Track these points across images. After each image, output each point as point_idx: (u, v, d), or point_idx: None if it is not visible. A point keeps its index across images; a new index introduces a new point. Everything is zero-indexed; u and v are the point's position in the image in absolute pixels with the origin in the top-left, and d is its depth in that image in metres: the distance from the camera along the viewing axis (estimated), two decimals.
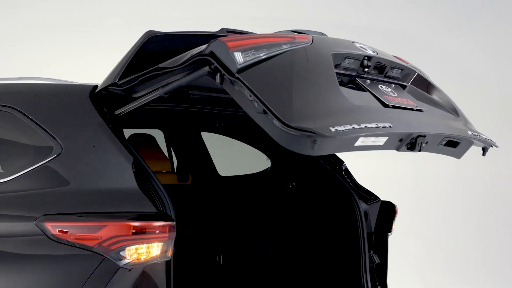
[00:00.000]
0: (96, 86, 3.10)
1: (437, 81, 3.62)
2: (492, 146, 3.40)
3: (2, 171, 3.12)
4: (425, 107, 3.20)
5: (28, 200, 2.90)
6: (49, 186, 2.90)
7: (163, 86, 2.86)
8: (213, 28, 3.48)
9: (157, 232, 2.73)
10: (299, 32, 3.15)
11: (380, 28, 8.93)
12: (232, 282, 4.46)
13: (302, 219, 4.17)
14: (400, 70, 3.29)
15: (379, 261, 3.87)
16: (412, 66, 3.45)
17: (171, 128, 4.79)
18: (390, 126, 2.68)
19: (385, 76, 3.22)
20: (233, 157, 4.99)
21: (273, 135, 2.52)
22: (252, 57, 2.65)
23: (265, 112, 2.51)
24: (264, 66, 2.65)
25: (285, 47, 2.75)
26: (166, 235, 2.75)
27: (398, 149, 3.02)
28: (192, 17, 8.65)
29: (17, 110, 3.08)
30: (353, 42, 3.13)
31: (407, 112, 3.02)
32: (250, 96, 2.55)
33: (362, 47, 3.11)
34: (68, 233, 2.74)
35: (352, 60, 3.01)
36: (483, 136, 3.32)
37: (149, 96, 2.94)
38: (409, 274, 7.82)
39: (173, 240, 2.79)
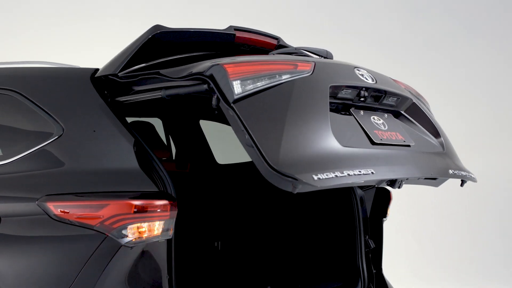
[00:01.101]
0: (97, 70, 3.13)
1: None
2: (470, 180, 3.46)
3: (2, 154, 3.14)
4: (412, 141, 3.25)
5: (29, 181, 2.92)
6: (51, 167, 2.93)
7: (166, 89, 2.89)
8: (222, 25, 3.52)
9: (158, 210, 2.75)
10: (302, 53, 3.18)
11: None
12: (230, 267, 4.50)
13: (300, 204, 4.22)
14: (396, 98, 3.33)
15: (374, 245, 3.92)
16: (409, 92, 3.51)
17: (170, 116, 4.84)
18: (372, 173, 2.74)
19: (381, 104, 3.27)
20: (231, 145, 5.03)
21: (258, 167, 2.57)
22: (250, 87, 2.68)
23: (252, 147, 2.56)
24: (260, 98, 2.68)
25: (285, 77, 2.79)
26: (168, 213, 2.78)
27: (378, 185, 3.12)
28: (200, 13, 8.69)
29: (18, 93, 3.11)
30: (354, 68, 3.17)
31: (394, 151, 3.08)
32: (242, 127, 2.59)
33: (362, 75, 3.14)
34: (70, 212, 2.77)
35: (350, 90, 3.07)
36: (463, 173, 3.37)
37: (151, 94, 2.98)
38: (400, 264, 7.89)
39: (175, 219, 2.81)
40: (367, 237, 3.91)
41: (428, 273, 8.06)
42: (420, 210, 8.48)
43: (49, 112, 3.02)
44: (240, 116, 2.60)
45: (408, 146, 3.19)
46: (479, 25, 8.98)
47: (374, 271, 3.91)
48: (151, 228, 2.74)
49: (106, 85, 3.06)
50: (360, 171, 2.70)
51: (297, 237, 4.22)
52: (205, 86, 2.71)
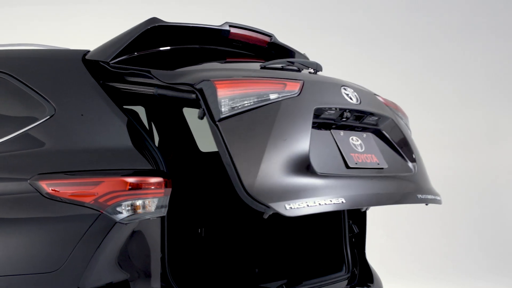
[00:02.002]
0: (88, 51, 3.13)
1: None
2: (436, 203, 3.56)
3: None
4: (386, 163, 3.34)
5: (20, 161, 2.91)
6: (43, 146, 2.93)
7: (159, 87, 2.90)
8: (218, 21, 3.54)
9: (153, 188, 2.78)
10: (291, 68, 3.24)
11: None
12: (214, 254, 4.53)
13: None
14: (377, 118, 3.43)
15: (358, 230, 3.98)
16: (390, 109, 3.60)
17: (153, 104, 4.85)
18: (342, 202, 2.85)
19: (361, 122, 3.36)
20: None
21: (234, 185, 2.64)
22: (238, 106, 2.73)
23: (230, 166, 2.63)
24: (245, 118, 2.73)
25: (272, 97, 2.84)
26: (162, 191, 2.80)
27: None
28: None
29: (9, 75, 3.11)
30: (341, 86, 3.24)
31: (365, 177, 3.17)
32: (223, 145, 2.65)
33: (347, 95, 3.22)
34: (63, 190, 2.76)
35: (333, 111, 3.14)
36: (429, 197, 3.46)
37: (143, 89, 3.00)
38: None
39: (169, 197, 2.84)
40: (350, 222, 3.97)
41: (400, 265, 8.16)
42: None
43: (40, 93, 3.01)
44: (223, 136, 2.65)
45: (382, 169, 3.30)
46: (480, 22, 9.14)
47: (357, 256, 3.97)
48: (146, 205, 2.76)
49: (97, 68, 3.07)
50: (331, 201, 2.81)
51: (281, 222, 4.26)
52: (194, 96, 2.76)
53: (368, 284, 3.74)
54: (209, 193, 4.65)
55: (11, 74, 3.11)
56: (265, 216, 2.65)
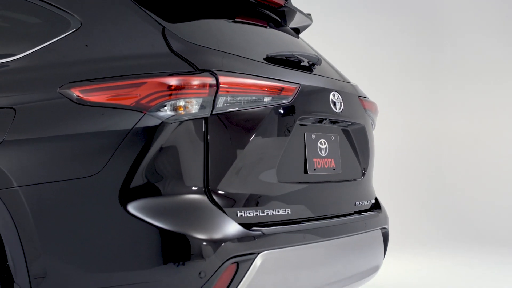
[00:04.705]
0: None
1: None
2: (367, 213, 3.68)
3: (18, 48, 3.11)
4: (341, 168, 3.44)
5: (48, 72, 2.90)
6: (75, 56, 2.91)
7: None
8: None
9: (195, 87, 2.70)
10: (293, 61, 3.24)
11: None
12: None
13: None
14: (349, 123, 3.53)
15: None
16: (366, 115, 3.72)
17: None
18: (288, 213, 2.98)
19: (335, 124, 3.44)
20: None
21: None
22: (232, 106, 2.76)
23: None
24: (232, 118, 2.78)
25: (266, 101, 2.88)
26: (206, 91, 2.71)
27: None
28: None
29: None
30: (331, 92, 3.31)
31: (320, 183, 3.28)
32: (203, 139, 2.71)
33: (334, 103, 3.31)
34: (98, 95, 2.72)
35: (315, 118, 3.22)
36: (366, 203, 3.66)
37: None
38: None
39: (213, 97, 2.73)
40: None
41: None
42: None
43: (64, 9, 3.03)
44: (208, 131, 2.71)
45: (335, 174, 3.40)
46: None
47: None
48: (190, 105, 2.69)
49: None
50: (278, 211, 2.93)
51: None
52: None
53: (378, 210, 3.84)
54: None
55: None
56: None
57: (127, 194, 2.64)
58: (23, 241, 2.73)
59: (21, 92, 2.91)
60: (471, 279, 6.11)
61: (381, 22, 9.61)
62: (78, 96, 2.74)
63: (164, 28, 2.86)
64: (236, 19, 3.32)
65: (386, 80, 9.39)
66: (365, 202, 3.68)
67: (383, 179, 6.98)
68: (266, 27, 3.54)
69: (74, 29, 2.96)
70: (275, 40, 3.54)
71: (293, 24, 4.02)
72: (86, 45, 2.90)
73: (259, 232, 2.76)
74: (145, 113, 2.65)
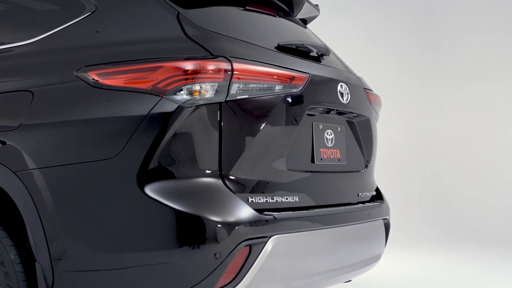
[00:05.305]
0: None
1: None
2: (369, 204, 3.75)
3: (31, 33, 3.11)
4: (345, 159, 3.47)
5: (64, 56, 2.91)
6: (90, 40, 2.91)
7: None
8: None
9: (211, 72, 2.70)
10: (304, 52, 3.27)
11: None
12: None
13: None
14: (355, 115, 3.58)
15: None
16: (371, 107, 3.76)
17: None
18: (296, 200, 3.03)
19: (342, 116, 3.49)
20: None
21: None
22: (246, 92, 2.79)
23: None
24: (245, 105, 2.80)
25: (277, 89, 2.92)
26: (222, 76, 2.72)
27: None
28: None
29: None
30: (339, 83, 3.35)
31: (326, 172, 3.33)
32: (217, 126, 2.73)
33: (341, 94, 3.35)
34: (115, 79, 2.73)
35: (323, 108, 3.26)
36: (367, 194, 3.73)
37: None
38: None
39: (228, 82, 2.74)
40: None
41: None
42: None
43: None
44: (222, 117, 2.73)
45: (341, 165, 3.45)
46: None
47: None
48: (206, 89, 2.70)
49: None
50: (287, 198, 2.98)
51: None
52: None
53: (381, 200, 3.90)
54: None
55: None
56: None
57: (145, 177, 2.65)
58: (44, 221, 2.76)
59: (38, 75, 2.92)
60: (465, 277, 6.16)
61: (378, 22, 9.67)
62: (94, 79, 2.75)
63: (178, 13, 2.87)
64: (246, 7, 3.33)
65: (382, 79, 9.41)
66: (367, 193, 3.74)
67: (378, 178, 7.03)
68: (275, 16, 3.56)
69: (89, 13, 2.97)
70: (284, 30, 3.56)
71: (300, 14, 4.05)
72: (101, 29, 2.90)
73: (271, 217, 2.79)
74: (162, 97, 2.66)
